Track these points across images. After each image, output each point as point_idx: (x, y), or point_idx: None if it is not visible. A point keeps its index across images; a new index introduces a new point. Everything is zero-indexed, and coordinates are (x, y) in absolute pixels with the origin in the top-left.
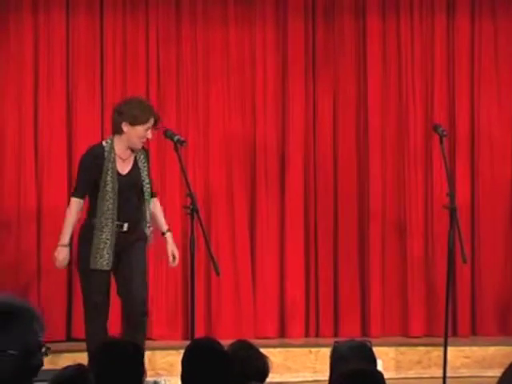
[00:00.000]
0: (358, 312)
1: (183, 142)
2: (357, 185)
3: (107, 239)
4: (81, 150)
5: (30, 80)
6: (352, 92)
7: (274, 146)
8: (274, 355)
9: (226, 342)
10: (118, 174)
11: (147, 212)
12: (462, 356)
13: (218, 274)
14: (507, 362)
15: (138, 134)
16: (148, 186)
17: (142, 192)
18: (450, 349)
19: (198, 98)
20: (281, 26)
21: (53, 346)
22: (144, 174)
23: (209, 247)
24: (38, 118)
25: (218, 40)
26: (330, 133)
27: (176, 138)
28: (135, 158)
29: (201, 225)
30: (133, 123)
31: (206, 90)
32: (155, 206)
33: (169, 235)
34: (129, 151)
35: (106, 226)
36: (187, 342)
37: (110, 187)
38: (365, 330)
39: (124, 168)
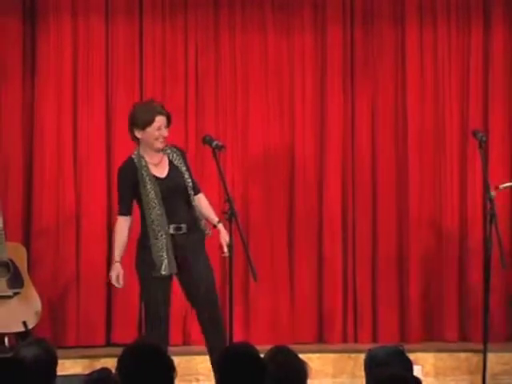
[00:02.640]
0: (396, 317)
1: (221, 146)
2: (395, 190)
3: (163, 245)
4: (120, 155)
5: (69, 86)
6: (390, 98)
7: (313, 152)
8: (313, 361)
9: (264, 348)
10: (157, 179)
11: (196, 208)
12: (501, 362)
13: (255, 279)
14: None
15: (151, 135)
16: (189, 182)
17: (186, 190)
18: (489, 355)
19: (236, 103)
20: (319, 32)
21: (92, 351)
22: (183, 170)
23: (247, 252)
24: (77, 124)
25: (257, 46)
26: (368, 139)
27: (214, 143)
28: (168, 159)
29: (239, 230)
30: (142, 127)
31: (244, 96)
32: (202, 201)
33: (221, 226)
34: (158, 155)
35: (159, 232)
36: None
37: (152, 194)
38: (403, 336)
39: (161, 172)
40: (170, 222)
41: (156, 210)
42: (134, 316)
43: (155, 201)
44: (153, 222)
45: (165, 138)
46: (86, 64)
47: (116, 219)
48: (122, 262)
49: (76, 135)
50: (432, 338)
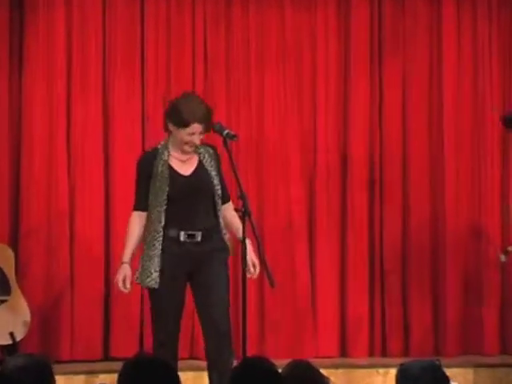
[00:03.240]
0: (429, 328)
1: (234, 136)
2: (429, 188)
3: (154, 255)
4: (118, 146)
5: (61, 75)
6: (423, 84)
7: (336, 143)
8: (337, 376)
9: (281, 362)
10: (179, 176)
11: (220, 218)
12: None
13: (272, 285)
14: None
15: (182, 137)
16: (218, 188)
17: (212, 196)
18: None
19: (250, 89)
20: (343, 7)
21: (89, 366)
22: (213, 175)
23: (262, 255)
24: (70, 116)
25: (273, 25)
26: (398, 130)
27: (226, 132)
28: (199, 159)
29: (253, 229)
30: (175, 124)
31: (259, 81)
32: (229, 211)
33: (247, 242)
34: (186, 154)
35: (155, 239)
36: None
37: (160, 193)
38: (438, 349)
39: (186, 169)
40: (181, 228)
41: (156, 213)
42: (135, 326)
43: (161, 201)
44: (152, 224)
45: (195, 144)
46: (80, 51)
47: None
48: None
49: (69, 128)
50: (469, 351)
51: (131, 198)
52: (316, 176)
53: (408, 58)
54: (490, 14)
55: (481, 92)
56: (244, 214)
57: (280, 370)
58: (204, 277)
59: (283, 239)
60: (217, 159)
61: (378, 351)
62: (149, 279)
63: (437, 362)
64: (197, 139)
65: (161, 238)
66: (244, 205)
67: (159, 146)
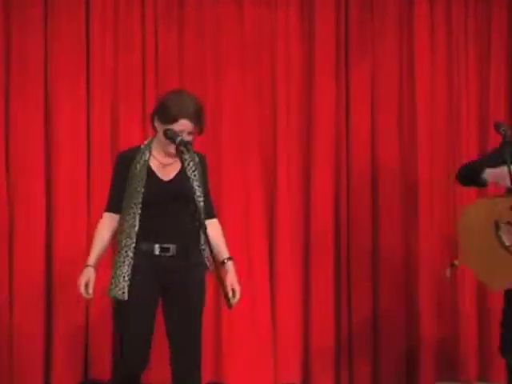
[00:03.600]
0: (402, 357)
1: (187, 143)
2: (399, 198)
3: (124, 264)
4: (61, 150)
5: (0, 76)
6: (393, 86)
7: (298, 149)
8: None
9: None
10: (158, 180)
11: (201, 233)
12: None
13: (229, 306)
14: None
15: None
16: (200, 199)
17: (193, 207)
18: None
19: (206, 93)
20: (306, 5)
21: None
22: (194, 185)
23: (218, 273)
24: (9, 119)
25: (230, 22)
26: (366, 136)
27: (179, 139)
28: (182, 165)
29: (209, 245)
30: (162, 121)
31: (215, 84)
32: (214, 228)
33: (230, 265)
34: (170, 157)
35: (126, 247)
36: None
37: (135, 196)
38: (411, 375)
39: (166, 174)
40: (155, 239)
41: (130, 217)
42: (80, 351)
43: (136, 204)
44: (124, 229)
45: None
46: (20, 55)
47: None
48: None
49: (8, 137)
50: (445, 378)
51: (76, 209)
52: (277, 184)
53: (377, 59)
54: (466, 10)
55: (456, 94)
56: (199, 227)
57: None
58: (177, 298)
59: (240, 252)
60: (203, 169)
61: (345, 379)
62: (116, 289)
63: None
64: (186, 138)
65: (133, 245)
66: (198, 215)
67: (142, 146)
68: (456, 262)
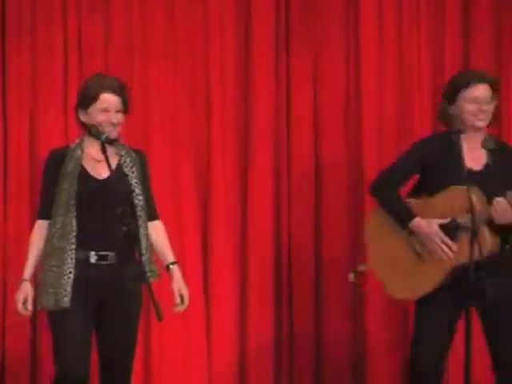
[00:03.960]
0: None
1: (113, 140)
2: (347, 190)
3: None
4: None
5: None
6: (339, 70)
7: (232, 146)
8: None
9: None
10: (91, 178)
11: (142, 236)
12: None
13: (160, 318)
14: None
15: (93, 119)
16: (140, 199)
17: (132, 207)
18: None
19: (132, 82)
20: None
21: None
22: (133, 182)
23: (149, 285)
24: None
25: (160, 6)
26: (309, 128)
27: (104, 136)
28: (118, 163)
29: (139, 254)
30: (84, 106)
31: (143, 73)
32: (157, 231)
33: (175, 269)
34: (107, 150)
35: (61, 254)
36: None
37: (65, 197)
38: None
39: (100, 171)
40: (91, 246)
41: (62, 221)
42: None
43: (69, 207)
44: (53, 237)
45: (114, 124)
46: None
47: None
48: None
49: None
50: None
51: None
52: (211, 185)
53: (320, 41)
54: None
55: (408, 79)
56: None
57: None
58: (111, 314)
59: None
60: (142, 166)
61: None
62: (51, 299)
63: None
64: (114, 117)
65: (74, 251)
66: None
67: (72, 145)
68: (361, 268)
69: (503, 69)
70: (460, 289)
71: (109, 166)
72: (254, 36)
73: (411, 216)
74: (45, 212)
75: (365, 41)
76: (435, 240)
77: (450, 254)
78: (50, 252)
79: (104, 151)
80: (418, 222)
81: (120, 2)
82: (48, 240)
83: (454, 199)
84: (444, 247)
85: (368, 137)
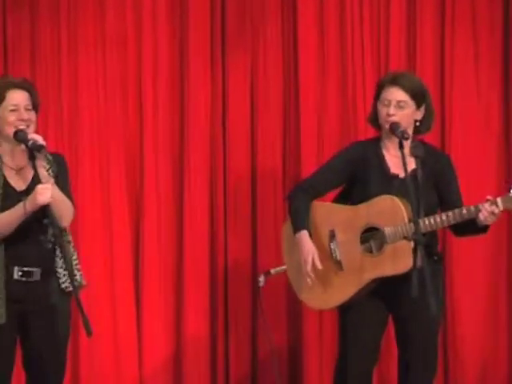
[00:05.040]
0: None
1: (41, 146)
2: (282, 202)
3: None
4: None
5: None
6: (277, 74)
7: (168, 146)
8: None
9: None
10: (12, 191)
11: (65, 251)
12: None
13: (89, 333)
14: None
15: (5, 120)
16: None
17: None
18: None
19: (60, 81)
20: None
21: None
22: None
23: (76, 295)
24: None
25: (90, 2)
26: (246, 131)
27: (30, 141)
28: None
29: (66, 263)
30: None
31: (71, 70)
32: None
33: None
34: (23, 156)
35: None
36: None
37: None
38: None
39: (21, 182)
40: (13, 263)
41: None
42: None
43: None
44: None
45: (26, 122)
46: None
47: None
48: None
49: None
50: None
51: None
52: (144, 191)
53: (257, 42)
54: None
55: (351, 82)
56: (54, 244)
57: None
58: (38, 337)
59: (104, 273)
60: (62, 171)
61: None
62: None
63: None
64: (25, 114)
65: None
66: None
67: None
68: (272, 271)
69: (446, 63)
70: (382, 297)
71: (35, 171)
72: (190, 34)
73: (302, 227)
74: None
75: (303, 40)
76: (305, 258)
77: (309, 279)
78: None
79: (33, 158)
80: (302, 236)
81: None
82: None
83: (382, 208)
84: (306, 270)
85: (306, 142)
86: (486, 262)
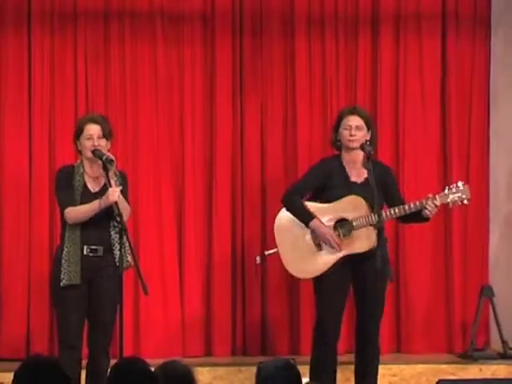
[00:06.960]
0: (286, 330)
1: (111, 161)
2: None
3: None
4: (8, 174)
5: None
6: (280, 110)
7: (202, 163)
8: (203, 374)
9: (155, 362)
10: (89, 193)
11: (127, 233)
12: (388, 374)
13: (146, 293)
14: (435, 380)
15: (84, 146)
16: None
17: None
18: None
19: (126, 116)
20: (208, 43)
21: None
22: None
23: (137, 266)
24: None
25: (147, 58)
26: (257, 150)
27: (104, 157)
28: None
29: (129, 243)
30: (76, 137)
31: (134, 108)
32: None
33: None
34: (98, 169)
35: (71, 247)
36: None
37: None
38: (295, 349)
39: (95, 186)
40: (83, 242)
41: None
42: (23, 326)
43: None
44: (69, 237)
45: (96, 147)
46: None
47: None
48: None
49: None
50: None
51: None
52: (185, 193)
53: (266, 88)
54: (337, 45)
55: (329, 115)
56: (121, 230)
57: (153, 370)
58: (99, 295)
59: (155, 250)
60: (124, 183)
61: (240, 351)
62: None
63: (291, 361)
64: (96, 141)
65: (74, 248)
66: (120, 221)
67: (75, 164)
68: (266, 252)
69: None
70: (346, 270)
71: (107, 179)
72: (217, 82)
73: (311, 217)
74: (70, 202)
75: (299, 87)
76: (328, 238)
77: (338, 247)
78: (63, 246)
79: (105, 169)
80: (316, 223)
81: (116, 51)
82: (65, 240)
83: (350, 204)
84: (333, 243)
85: (302, 160)
86: (429, 241)
